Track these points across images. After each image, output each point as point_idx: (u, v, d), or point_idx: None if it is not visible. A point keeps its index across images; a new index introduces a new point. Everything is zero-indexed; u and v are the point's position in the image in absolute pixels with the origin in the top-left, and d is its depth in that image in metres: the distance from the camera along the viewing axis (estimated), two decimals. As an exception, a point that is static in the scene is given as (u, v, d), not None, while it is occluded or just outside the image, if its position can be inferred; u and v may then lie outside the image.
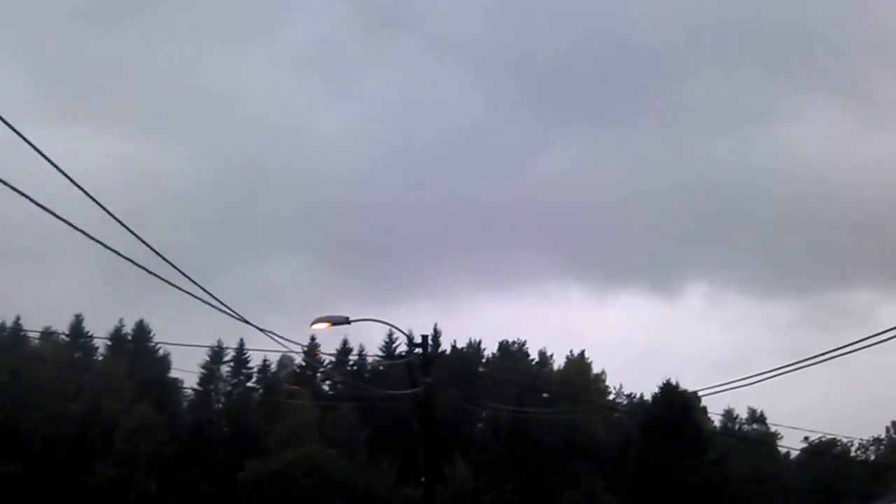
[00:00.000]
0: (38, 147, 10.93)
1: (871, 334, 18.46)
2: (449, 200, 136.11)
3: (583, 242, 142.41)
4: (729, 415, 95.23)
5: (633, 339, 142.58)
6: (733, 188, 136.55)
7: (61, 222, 11.79)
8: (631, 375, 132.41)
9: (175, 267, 15.29)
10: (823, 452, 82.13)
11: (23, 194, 10.87)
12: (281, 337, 25.55)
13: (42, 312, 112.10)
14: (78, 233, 12.26)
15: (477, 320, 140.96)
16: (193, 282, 16.47)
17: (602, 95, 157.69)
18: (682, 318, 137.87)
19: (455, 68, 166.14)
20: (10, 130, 10.24)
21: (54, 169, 11.33)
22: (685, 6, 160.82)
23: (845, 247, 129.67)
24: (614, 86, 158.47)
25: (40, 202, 11.18)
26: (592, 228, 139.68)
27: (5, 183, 10.49)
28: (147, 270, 14.63)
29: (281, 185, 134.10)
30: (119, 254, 13.67)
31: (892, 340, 17.99)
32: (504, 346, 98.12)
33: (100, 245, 13.03)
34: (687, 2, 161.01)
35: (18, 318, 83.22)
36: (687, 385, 75.10)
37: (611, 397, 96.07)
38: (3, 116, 10.03)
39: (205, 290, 17.29)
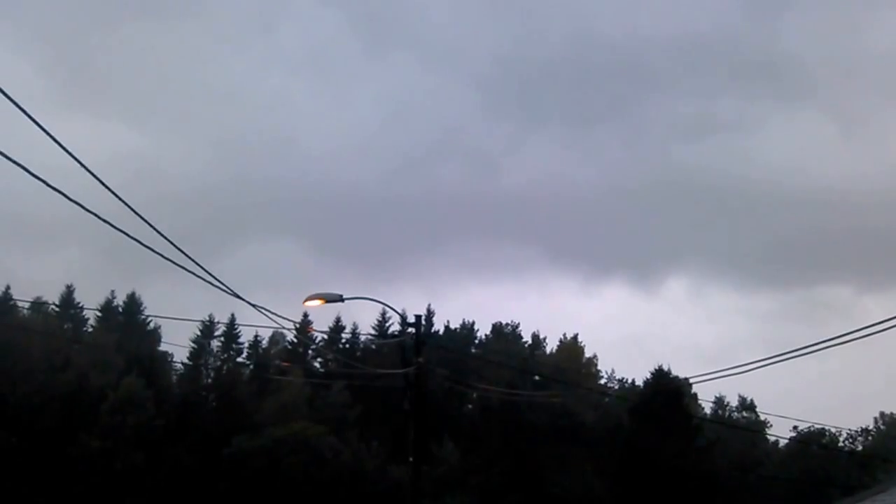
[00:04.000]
0: (44, 128, 10.97)
1: (855, 328, 18.81)
2: (437, 194, 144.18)
3: (566, 236, 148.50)
4: (719, 402, 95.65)
5: (618, 328, 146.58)
6: (714, 187, 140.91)
7: (58, 195, 11.69)
8: (618, 362, 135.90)
9: (168, 240, 15.07)
10: (812, 442, 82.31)
11: (16, 163, 10.65)
12: (273, 313, 25.34)
13: (34, 284, 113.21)
14: (73, 205, 12.19)
15: (469, 304, 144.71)
16: (187, 255, 16.25)
17: (582, 99, 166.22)
18: (665, 308, 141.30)
19: (443, 72, 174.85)
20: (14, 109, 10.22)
21: (54, 147, 11.29)
22: (666, 22, 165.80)
23: (824, 243, 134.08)
24: (594, 91, 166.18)
25: (37, 174, 11.06)
26: (575, 223, 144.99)
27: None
28: (140, 243, 14.40)
29: (276, 177, 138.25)
30: (112, 225, 13.44)
31: (878, 334, 18.26)
32: (497, 328, 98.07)
33: (95, 218, 12.84)
34: (668, 17, 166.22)
35: (8, 288, 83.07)
36: (675, 373, 75.56)
37: (602, 382, 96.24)
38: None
39: (198, 265, 17.07)
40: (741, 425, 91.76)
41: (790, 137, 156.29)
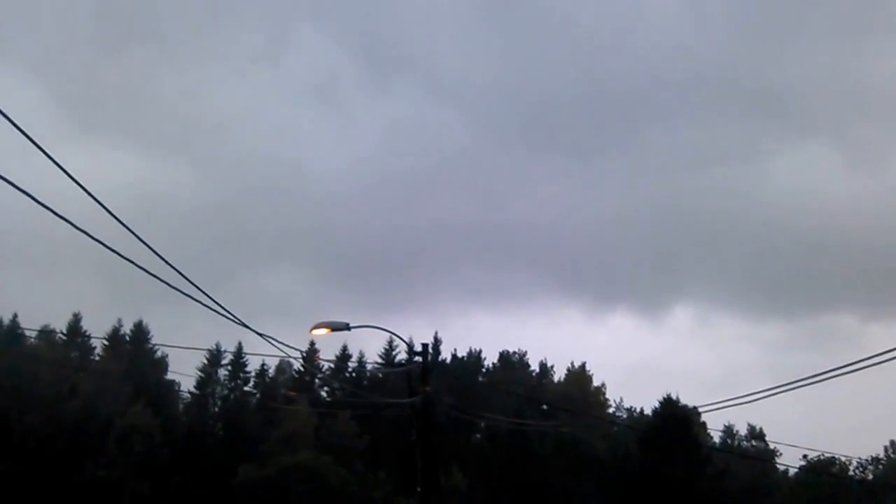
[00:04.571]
0: (52, 157, 11.01)
1: (863, 356, 18.89)
2: (442, 223, 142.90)
3: (571, 265, 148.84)
4: (728, 431, 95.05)
5: (625, 356, 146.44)
6: (718, 217, 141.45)
7: (65, 224, 11.71)
8: (625, 390, 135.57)
9: (175, 269, 15.05)
10: (822, 470, 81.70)
11: (23, 191, 10.66)
12: (279, 342, 25.27)
13: (41, 312, 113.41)
14: (81, 234, 12.20)
15: (476, 332, 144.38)
16: (194, 284, 16.22)
17: (586, 130, 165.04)
18: (672, 337, 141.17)
19: (448, 102, 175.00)
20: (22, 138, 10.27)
21: (61, 175, 11.33)
22: (669, 54, 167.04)
23: (829, 272, 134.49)
24: (598, 122, 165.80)
25: (43, 202, 11.08)
26: (579, 252, 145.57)
27: (7, 180, 10.29)
28: (147, 272, 14.39)
29: (283, 206, 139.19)
30: (119, 254, 13.43)
31: (887, 362, 18.23)
32: (504, 356, 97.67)
33: (101, 246, 12.86)
34: (670, 50, 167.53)
35: (15, 316, 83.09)
36: (683, 401, 75.20)
37: (611, 410, 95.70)
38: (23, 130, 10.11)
39: (204, 293, 17.04)
40: (750, 454, 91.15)
41: (795, 168, 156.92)
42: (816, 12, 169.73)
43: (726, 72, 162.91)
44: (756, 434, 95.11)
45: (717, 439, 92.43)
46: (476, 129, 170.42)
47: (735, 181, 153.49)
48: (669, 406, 75.14)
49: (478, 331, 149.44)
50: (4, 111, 9.83)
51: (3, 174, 10.22)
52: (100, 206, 12.27)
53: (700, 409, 63.05)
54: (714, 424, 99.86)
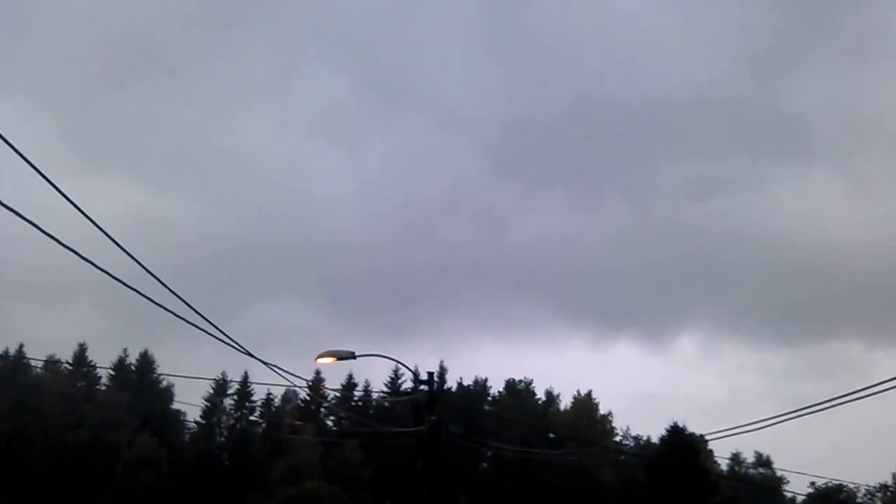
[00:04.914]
0: (58, 188, 11.20)
1: (869, 383, 18.86)
2: (448, 252, 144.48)
3: (575, 294, 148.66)
4: (735, 458, 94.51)
5: (631, 384, 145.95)
6: (722, 245, 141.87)
7: (70, 254, 11.83)
8: (632, 419, 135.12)
9: (181, 298, 15.14)
10: (830, 498, 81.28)
11: (30, 222, 10.76)
12: (285, 371, 25.30)
13: (47, 342, 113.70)
14: (86, 264, 12.32)
15: (481, 360, 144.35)
16: (199, 314, 16.30)
17: (593, 160, 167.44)
18: (677, 365, 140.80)
19: (454, 133, 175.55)
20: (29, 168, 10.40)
21: (67, 205, 11.47)
22: (671, 84, 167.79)
23: (835, 300, 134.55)
24: (604, 152, 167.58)
25: (48, 231, 11.19)
26: (583, 281, 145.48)
27: (12, 210, 10.40)
28: (153, 301, 14.47)
29: (289, 236, 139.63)
30: (125, 284, 13.54)
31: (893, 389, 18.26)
32: (510, 385, 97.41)
33: (107, 276, 12.97)
34: (672, 80, 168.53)
35: (21, 346, 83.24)
36: (689, 429, 74.87)
37: (617, 439, 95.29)
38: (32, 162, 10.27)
39: (210, 323, 17.11)
40: (758, 482, 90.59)
41: (800, 195, 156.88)
42: (821, 42, 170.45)
43: (731, 101, 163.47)
44: (763, 461, 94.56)
45: (724, 467, 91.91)
46: (481, 159, 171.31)
47: (739, 209, 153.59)
48: (676, 434, 74.84)
49: (483, 359, 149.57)
50: (10, 142, 9.97)
51: (9, 204, 10.34)
52: (106, 237, 12.39)
53: (707, 437, 62.74)
54: (721, 452, 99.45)
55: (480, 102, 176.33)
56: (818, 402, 21.56)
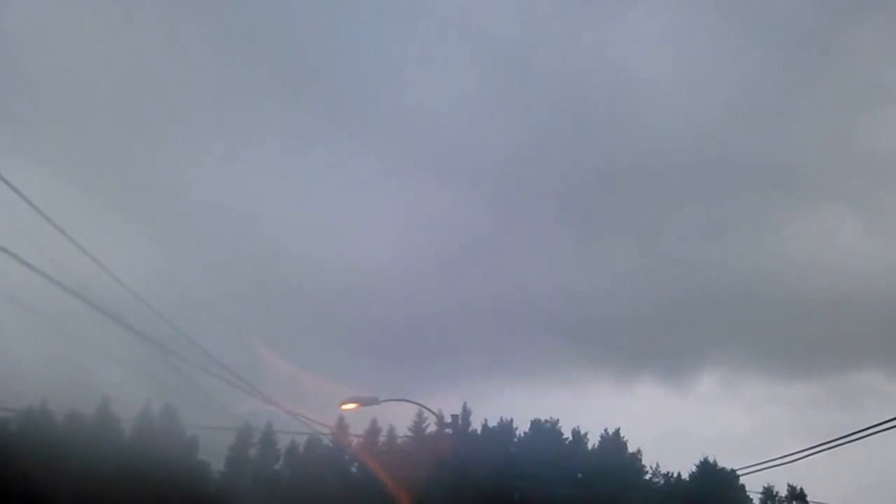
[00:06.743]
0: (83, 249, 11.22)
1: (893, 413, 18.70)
2: (468, 299, 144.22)
3: (594, 335, 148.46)
4: (768, 492, 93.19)
5: (656, 423, 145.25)
6: (737, 284, 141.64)
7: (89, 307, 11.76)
8: (659, 456, 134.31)
9: (204, 350, 15.07)
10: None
11: (51, 279, 10.73)
12: (308, 418, 25.14)
13: (70, 397, 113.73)
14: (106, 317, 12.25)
15: (505, 401, 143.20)
16: (223, 365, 16.23)
17: (603, 206, 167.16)
18: (701, 402, 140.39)
19: (465, 183, 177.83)
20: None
21: (87, 260, 11.45)
22: (682, 132, 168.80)
23: (853, 330, 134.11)
24: (614, 198, 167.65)
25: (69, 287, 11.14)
26: (603, 322, 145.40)
27: (35, 269, 10.37)
28: (175, 354, 14.40)
29: (309, 288, 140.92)
30: (153, 341, 13.46)
31: None
32: (536, 424, 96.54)
33: (131, 332, 12.90)
34: (683, 128, 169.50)
35: (44, 402, 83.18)
36: (720, 464, 74.04)
37: (647, 476, 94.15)
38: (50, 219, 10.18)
39: (232, 373, 17.00)
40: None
41: (812, 231, 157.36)
42: (821, 85, 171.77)
43: (735, 142, 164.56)
44: (797, 494, 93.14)
45: (757, 502, 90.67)
46: (494, 207, 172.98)
47: (752, 248, 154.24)
48: (707, 469, 73.98)
49: (506, 401, 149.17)
50: (36, 205, 9.96)
51: (33, 264, 10.31)
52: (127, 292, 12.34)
53: (738, 472, 62.02)
54: (752, 486, 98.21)
55: (490, 152, 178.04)
56: (847, 433, 21.45)
